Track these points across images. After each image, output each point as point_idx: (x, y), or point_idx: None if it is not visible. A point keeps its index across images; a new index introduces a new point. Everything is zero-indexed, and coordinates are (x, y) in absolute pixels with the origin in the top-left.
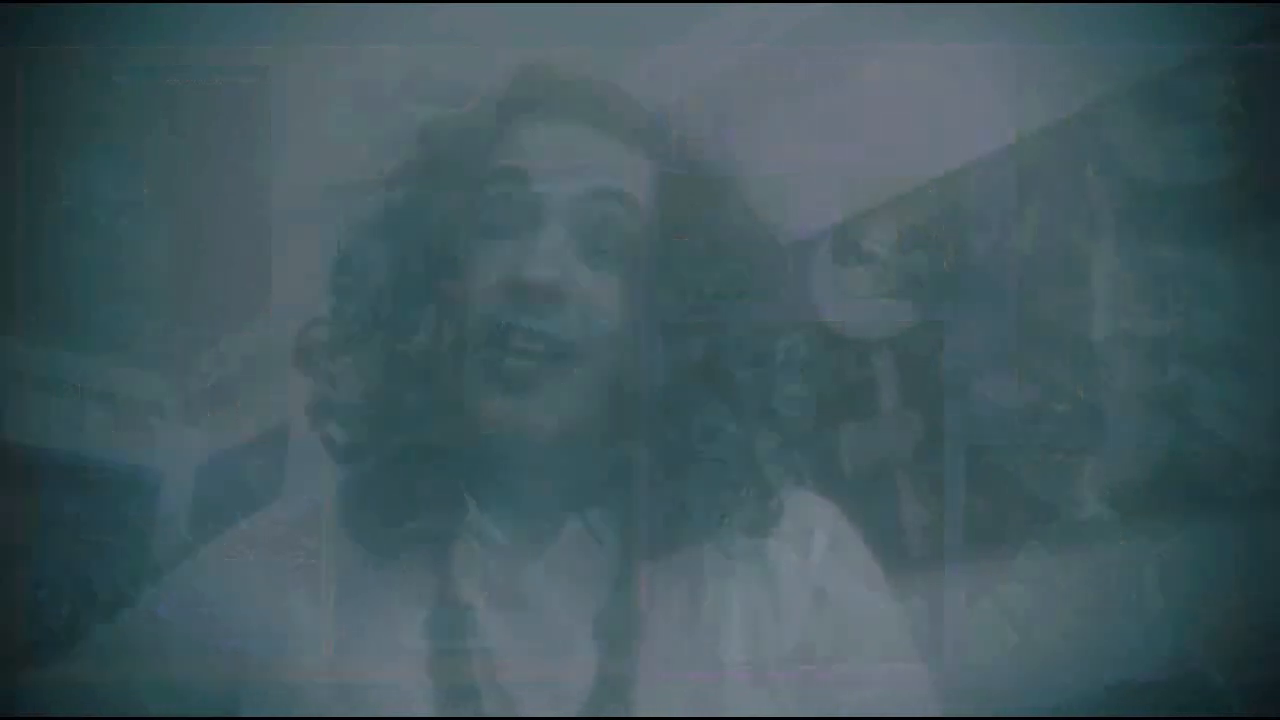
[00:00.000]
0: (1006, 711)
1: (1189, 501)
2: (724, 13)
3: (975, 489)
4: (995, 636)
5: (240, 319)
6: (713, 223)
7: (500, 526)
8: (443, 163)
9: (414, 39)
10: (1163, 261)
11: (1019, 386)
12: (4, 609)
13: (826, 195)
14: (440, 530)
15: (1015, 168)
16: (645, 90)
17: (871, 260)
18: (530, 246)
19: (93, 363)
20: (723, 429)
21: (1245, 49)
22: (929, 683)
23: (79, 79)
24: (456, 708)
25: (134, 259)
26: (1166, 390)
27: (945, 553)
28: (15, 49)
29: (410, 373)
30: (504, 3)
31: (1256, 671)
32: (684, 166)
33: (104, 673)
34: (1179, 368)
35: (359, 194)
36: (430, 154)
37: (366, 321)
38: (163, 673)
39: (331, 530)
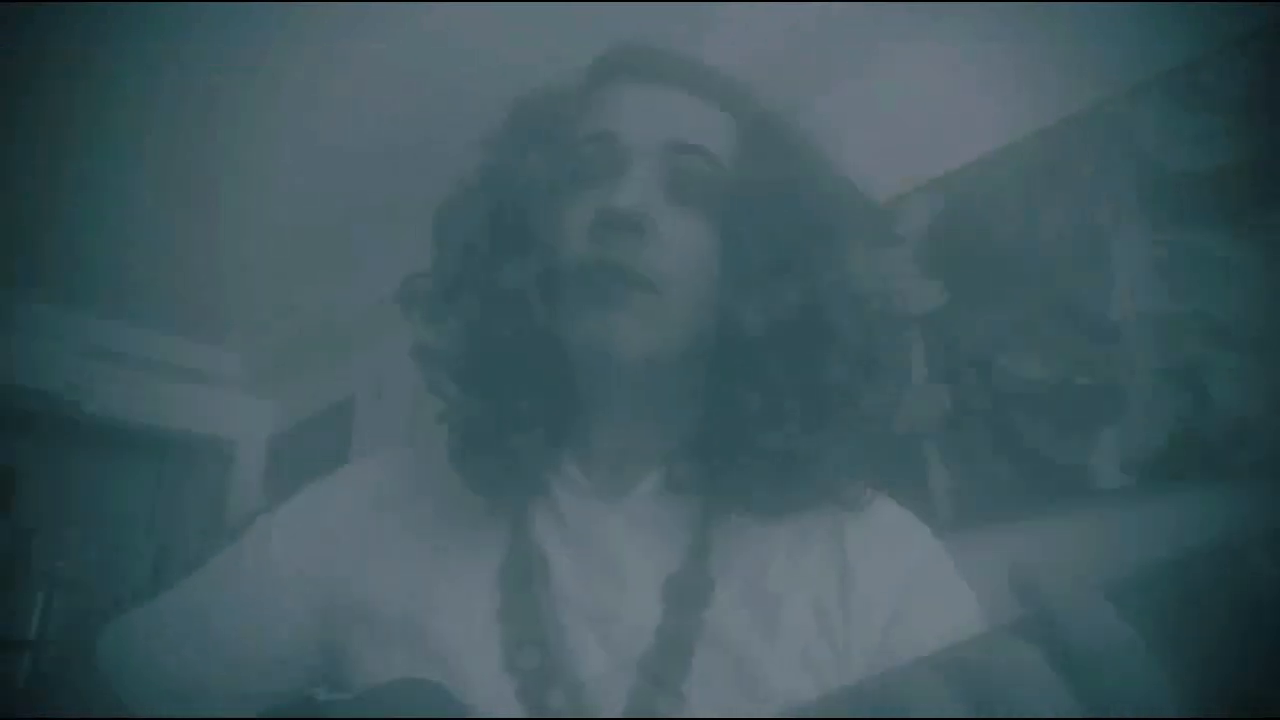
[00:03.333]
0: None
1: (1203, 470)
2: (724, 13)
3: (999, 457)
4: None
5: (309, 295)
6: (792, 178)
7: (586, 472)
8: (534, 130)
9: (415, 39)
10: (1180, 244)
11: (1040, 362)
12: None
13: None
14: (534, 469)
15: (1034, 156)
16: None
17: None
18: (617, 184)
19: (169, 338)
20: (820, 380)
21: (1260, 44)
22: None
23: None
24: (519, 659)
25: (207, 239)
26: (1182, 366)
27: (970, 518)
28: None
29: (506, 312)
30: (506, 3)
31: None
32: (765, 127)
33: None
34: (1195, 345)
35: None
36: (522, 122)
37: (464, 271)
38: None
39: (418, 481)
